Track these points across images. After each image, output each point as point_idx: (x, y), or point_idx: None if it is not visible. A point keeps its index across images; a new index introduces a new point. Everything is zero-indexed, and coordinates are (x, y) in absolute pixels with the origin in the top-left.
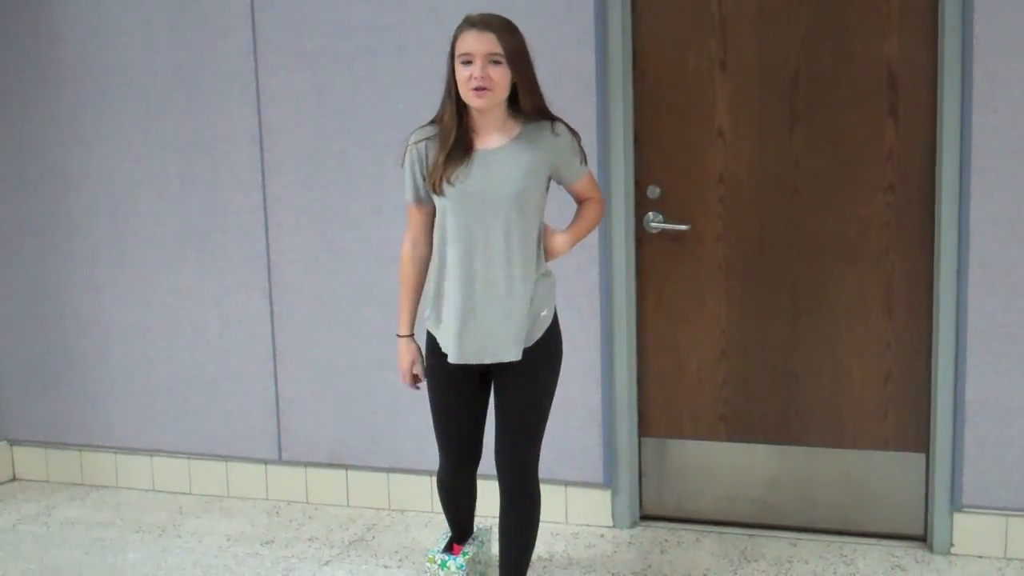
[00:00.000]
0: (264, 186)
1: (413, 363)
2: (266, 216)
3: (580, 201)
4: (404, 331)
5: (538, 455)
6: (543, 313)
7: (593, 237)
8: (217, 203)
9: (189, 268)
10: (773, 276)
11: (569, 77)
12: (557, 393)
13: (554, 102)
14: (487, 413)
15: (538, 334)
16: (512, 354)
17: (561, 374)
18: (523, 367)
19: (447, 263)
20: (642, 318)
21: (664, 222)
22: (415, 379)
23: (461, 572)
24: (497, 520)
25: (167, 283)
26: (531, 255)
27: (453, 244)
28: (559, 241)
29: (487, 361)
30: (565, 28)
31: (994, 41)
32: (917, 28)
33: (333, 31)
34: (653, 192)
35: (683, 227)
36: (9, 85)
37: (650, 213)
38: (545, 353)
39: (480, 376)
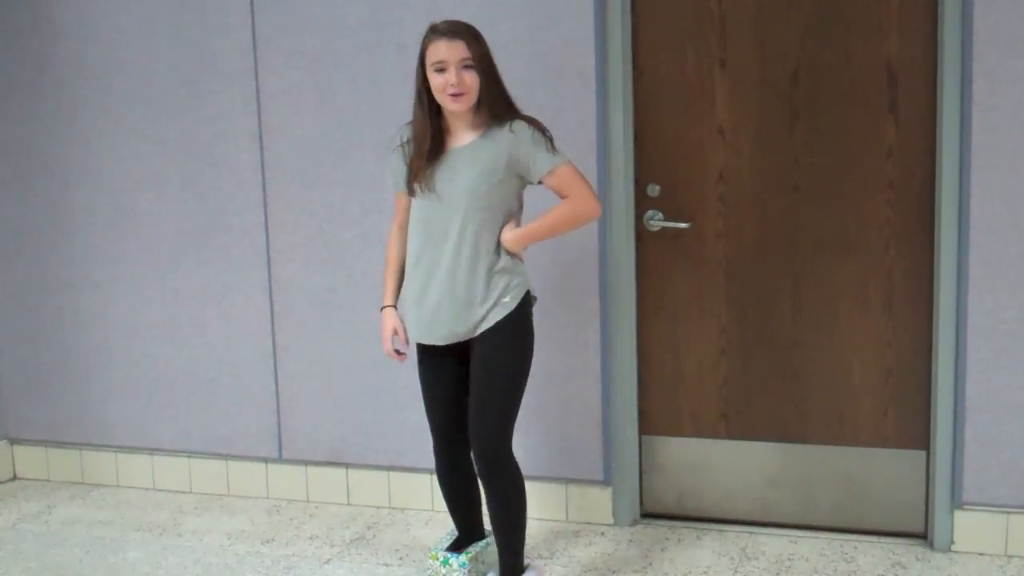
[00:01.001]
0: (264, 184)
1: (394, 331)
2: (266, 214)
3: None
4: (385, 302)
5: (505, 437)
6: (505, 300)
7: (592, 235)
8: (217, 201)
9: (189, 266)
10: (773, 273)
11: (568, 75)
12: (557, 390)
13: (553, 99)
14: (464, 392)
15: (495, 319)
16: (463, 332)
17: (561, 371)
18: (484, 350)
19: (411, 251)
20: (642, 316)
21: (664, 220)
22: (397, 351)
23: (463, 570)
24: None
25: (167, 282)
26: (489, 249)
27: (414, 234)
28: (506, 238)
29: (438, 342)
30: (565, 26)
31: (994, 38)
32: (917, 25)
33: (332, 29)
34: (653, 190)
35: (683, 225)
36: (9, 84)
37: (650, 211)
38: (503, 337)
39: (459, 360)
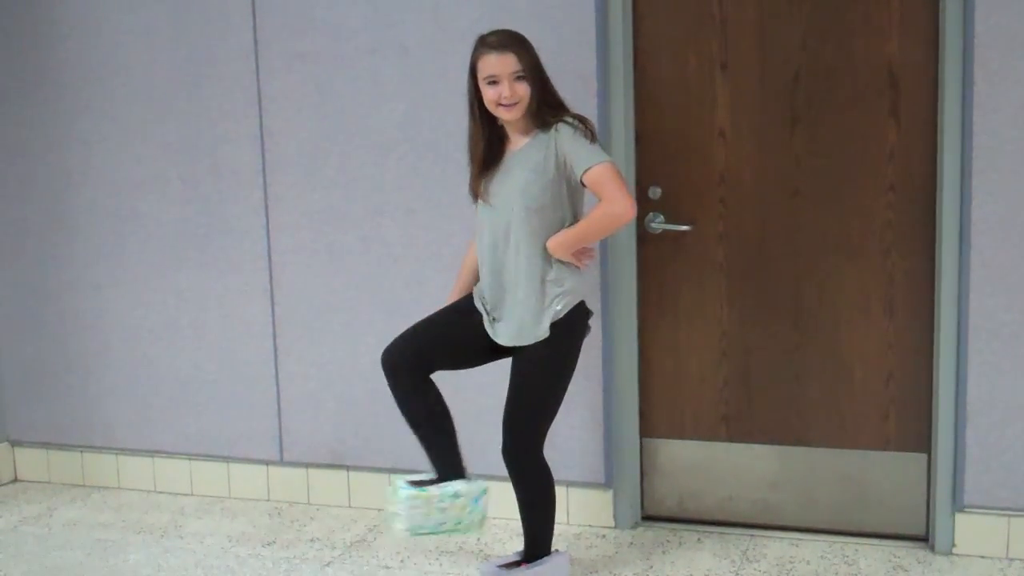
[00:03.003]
0: (265, 187)
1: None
2: (267, 217)
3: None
4: (450, 299)
5: (533, 441)
6: (557, 308)
7: None
8: (218, 204)
9: (190, 269)
10: (774, 276)
11: (570, 77)
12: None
13: None
14: (460, 358)
15: (542, 333)
16: (520, 340)
17: None
18: (526, 357)
19: (477, 250)
20: (643, 318)
21: (665, 222)
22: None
23: (403, 504)
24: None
25: (168, 284)
26: (543, 257)
27: (478, 240)
28: (549, 244)
29: (499, 340)
30: (566, 28)
31: (995, 41)
32: (918, 28)
33: (334, 32)
34: (654, 192)
35: (684, 227)
36: (10, 86)
37: (651, 213)
38: (545, 348)
39: (492, 344)
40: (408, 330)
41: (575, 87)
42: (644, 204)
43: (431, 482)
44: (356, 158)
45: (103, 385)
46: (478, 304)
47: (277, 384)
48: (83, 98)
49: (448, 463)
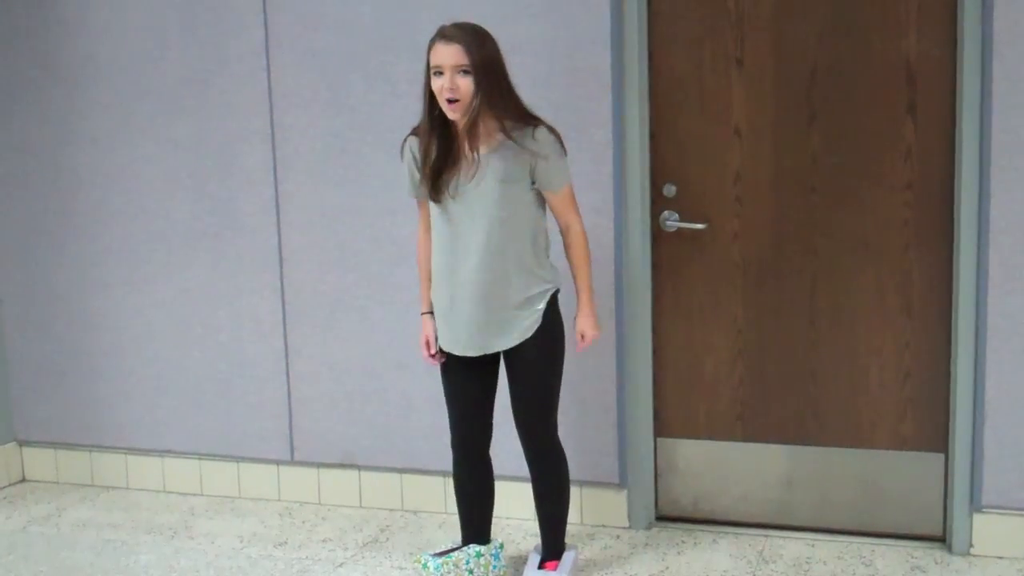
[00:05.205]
0: (276, 185)
1: (427, 338)
2: (278, 215)
3: (560, 223)
4: (423, 308)
5: (552, 426)
6: (538, 307)
7: (608, 236)
8: (229, 202)
9: (200, 267)
10: (790, 275)
11: (585, 75)
12: (572, 392)
13: (569, 99)
14: (493, 398)
15: (532, 330)
16: (500, 345)
17: (576, 373)
18: (522, 354)
19: (436, 261)
20: (658, 317)
21: (680, 221)
22: (432, 355)
23: (436, 574)
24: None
25: (178, 282)
26: (521, 257)
27: (439, 243)
28: (584, 327)
29: (471, 353)
30: (581, 26)
31: (1013, 37)
32: (936, 24)
33: (345, 29)
34: (669, 190)
35: (699, 226)
36: (19, 84)
37: (666, 212)
38: (539, 340)
39: (485, 367)
40: (454, 418)
41: (590, 84)
42: (659, 202)
43: (452, 549)
44: (367, 155)
45: (112, 384)
46: (445, 346)
47: (288, 383)
48: (92, 96)
49: (478, 531)
